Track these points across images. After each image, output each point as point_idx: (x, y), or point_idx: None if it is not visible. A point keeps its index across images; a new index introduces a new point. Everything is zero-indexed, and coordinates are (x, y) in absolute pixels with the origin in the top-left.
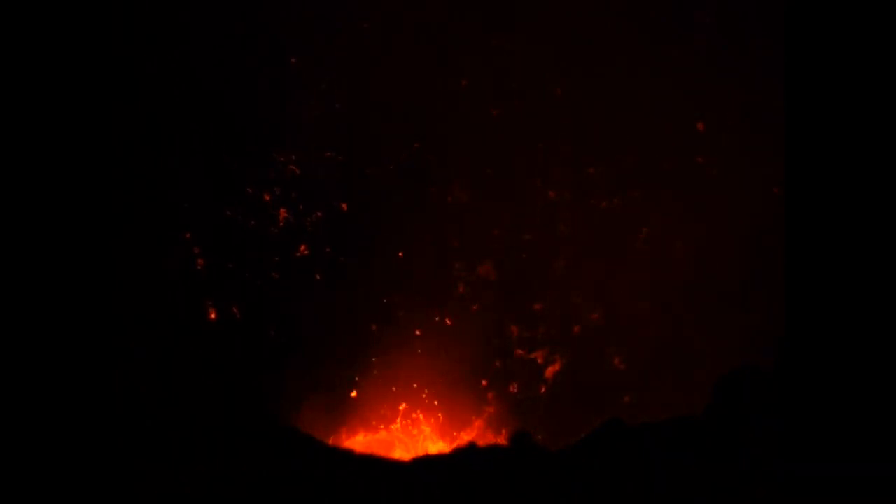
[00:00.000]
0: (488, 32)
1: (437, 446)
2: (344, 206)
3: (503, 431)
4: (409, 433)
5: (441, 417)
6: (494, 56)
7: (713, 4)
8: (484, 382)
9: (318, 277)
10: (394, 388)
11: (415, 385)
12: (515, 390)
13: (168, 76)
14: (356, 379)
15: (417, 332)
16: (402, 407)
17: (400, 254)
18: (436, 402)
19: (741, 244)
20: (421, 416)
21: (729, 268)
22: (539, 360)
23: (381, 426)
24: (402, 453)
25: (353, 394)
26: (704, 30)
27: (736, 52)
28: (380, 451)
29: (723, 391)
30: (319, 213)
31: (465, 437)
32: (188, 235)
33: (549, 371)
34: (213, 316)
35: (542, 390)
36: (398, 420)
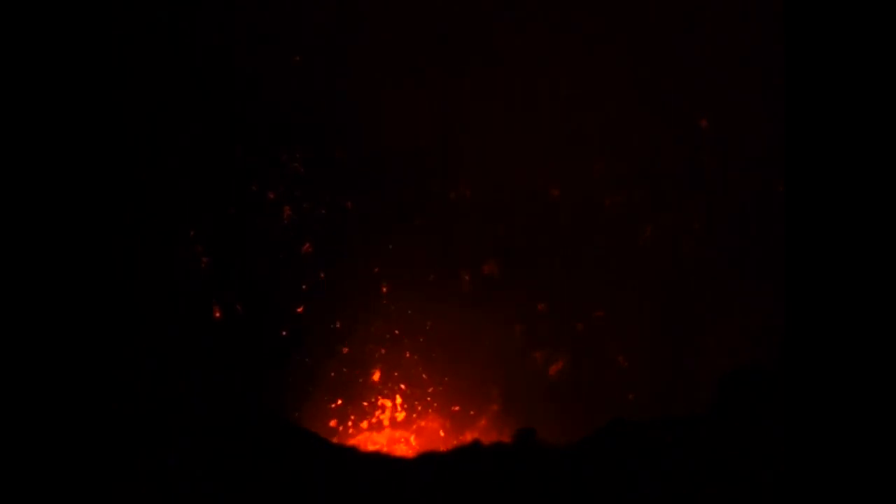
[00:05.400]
0: (491, 31)
1: (441, 444)
2: (348, 204)
3: (507, 429)
4: (414, 431)
5: (445, 415)
6: (498, 55)
7: (715, 4)
8: (488, 380)
9: (322, 276)
10: (397, 387)
11: (419, 383)
12: (519, 388)
13: (171, 74)
14: (360, 377)
15: (421, 330)
16: (406, 405)
17: (404, 252)
18: (440, 400)
19: (744, 242)
20: (425, 414)
21: (732, 266)
22: (542, 359)
23: (385, 424)
24: (406, 451)
25: (357, 392)
26: (706, 28)
27: (737, 51)
28: (384, 448)
29: (727, 389)
30: (323, 211)
31: (469, 435)
32: (191, 233)
33: (553, 369)
34: (216, 314)
35: (546, 388)
36: (402, 418)
